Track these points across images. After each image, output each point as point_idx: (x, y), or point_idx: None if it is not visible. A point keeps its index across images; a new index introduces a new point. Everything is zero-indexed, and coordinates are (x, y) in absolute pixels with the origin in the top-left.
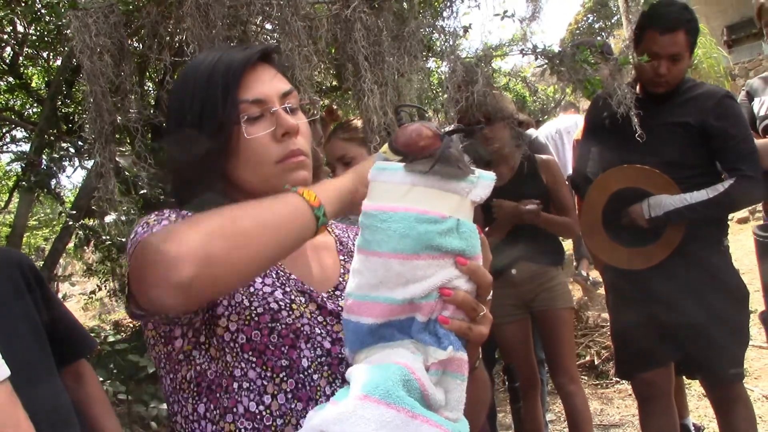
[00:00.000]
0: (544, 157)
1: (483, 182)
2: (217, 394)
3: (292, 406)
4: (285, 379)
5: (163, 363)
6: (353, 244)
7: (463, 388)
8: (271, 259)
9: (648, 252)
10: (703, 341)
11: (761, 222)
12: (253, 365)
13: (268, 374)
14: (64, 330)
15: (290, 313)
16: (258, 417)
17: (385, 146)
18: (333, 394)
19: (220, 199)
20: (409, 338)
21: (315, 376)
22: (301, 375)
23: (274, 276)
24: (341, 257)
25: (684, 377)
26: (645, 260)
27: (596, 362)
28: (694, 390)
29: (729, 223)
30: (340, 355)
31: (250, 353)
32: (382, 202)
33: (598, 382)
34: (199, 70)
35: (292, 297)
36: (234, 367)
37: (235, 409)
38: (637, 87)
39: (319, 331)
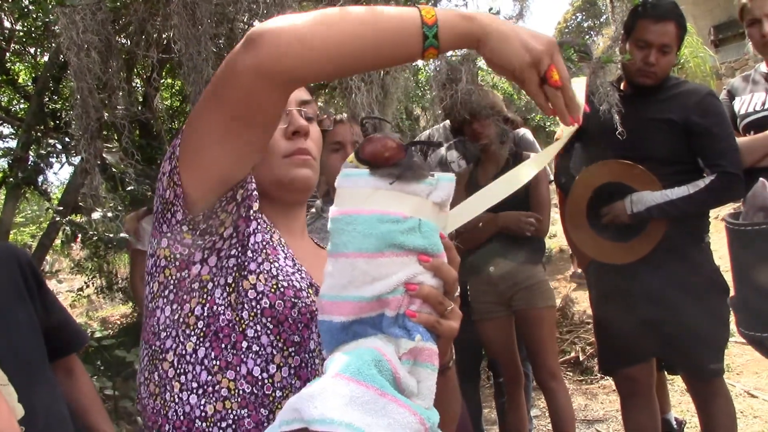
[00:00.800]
0: (531, 154)
1: (443, 184)
2: (223, 344)
3: (292, 381)
4: (293, 354)
5: (168, 291)
6: None
7: (433, 378)
8: (364, 58)
9: (630, 247)
10: (683, 337)
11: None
12: (269, 332)
13: (280, 345)
14: (57, 324)
15: (308, 295)
16: (259, 383)
17: (352, 156)
18: None
19: None
20: (381, 333)
21: (317, 360)
22: (306, 355)
23: (292, 262)
24: None
25: (666, 373)
26: (627, 255)
27: (581, 358)
28: (677, 385)
29: (711, 219)
30: None
31: (269, 319)
32: (348, 206)
33: (582, 378)
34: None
35: (308, 283)
36: (248, 327)
37: (238, 368)
38: (622, 84)
39: None
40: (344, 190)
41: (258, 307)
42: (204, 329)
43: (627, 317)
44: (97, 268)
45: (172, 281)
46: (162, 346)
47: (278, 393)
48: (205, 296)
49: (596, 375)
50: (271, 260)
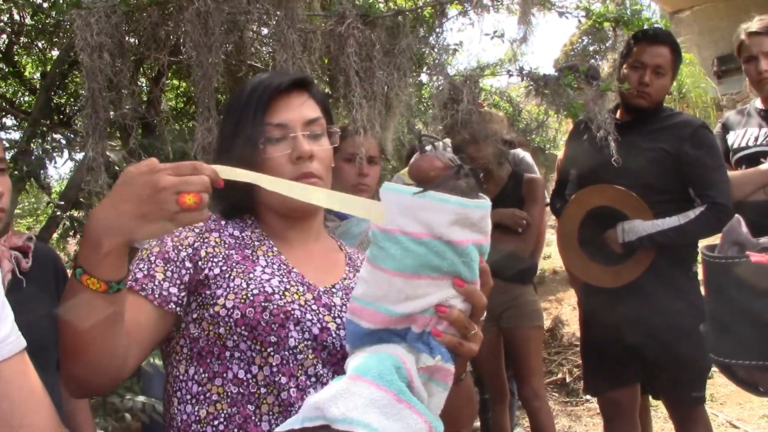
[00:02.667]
0: (530, 175)
1: (481, 209)
2: (208, 360)
3: (276, 378)
4: (272, 354)
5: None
6: (360, 264)
7: (443, 396)
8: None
9: (618, 271)
10: (667, 363)
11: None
12: (245, 338)
13: (257, 347)
14: None
15: (282, 297)
16: (244, 383)
17: (406, 169)
18: (315, 374)
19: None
20: (404, 342)
21: (300, 356)
22: (286, 353)
23: (275, 268)
24: (347, 268)
25: (650, 398)
26: (615, 279)
27: (568, 380)
28: (660, 412)
29: (699, 249)
30: (324, 342)
31: (243, 327)
32: (389, 223)
33: (568, 399)
34: (245, 90)
35: (288, 286)
36: (227, 339)
37: (225, 375)
38: (618, 112)
39: (310, 317)
40: (387, 205)
41: (231, 320)
42: (188, 353)
43: (614, 341)
44: None
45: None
46: (168, 372)
47: (263, 390)
48: (183, 333)
49: (581, 397)
50: (243, 275)
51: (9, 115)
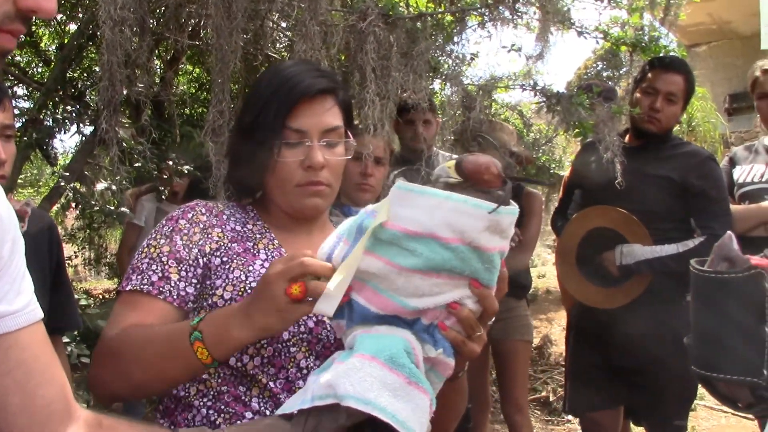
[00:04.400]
0: (530, 189)
1: (510, 216)
2: None
3: (266, 369)
4: (265, 345)
5: None
6: None
7: (439, 387)
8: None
9: (612, 293)
10: (653, 389)
11: None
12: None
13: None
14: (60, 302)
15: None
16: (236, 370)
17: (452, 162)
18: (306, 366)
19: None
20: (410, 329)
21: (293, 349)
22: (279, 345)
23: (274, 259)
24: None
25: (632, 422)
26: (608, 301)
27: (551, 399)
28: None
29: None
30: (319, 336)
31: None
32: (414, 224)
33: (549, 418)
34: (272, 82)
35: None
36: None
37: None
38: (627, 137)
39: None
40: (409, 203)
41: None
42: None
43: (601, 362)
44: (88, 240)
45: None
46: None
47: (252, 373)
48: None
49: (563, 417)
50: (242, 267)
51: (21, 84)
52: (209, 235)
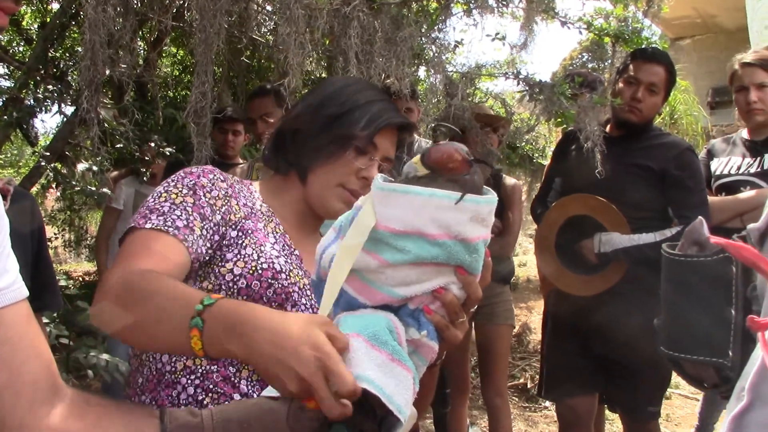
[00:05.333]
0: (510, 179)
1: (489, 205)
2: None
3: None
4: None
5: None
6: None
7: (422, 370)
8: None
9: (590, 281)
10: (627, 375)
11: None
12: None
13: None
14: (41, 282)
15: (288, 277)
16: None
17: (417, 158)
18: None
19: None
20: (395, 314)
21: None
22: None
23: (281, 246)
24: None
25: (606, 408)
26: (585, 288)
27: (529, 386)
28: (617, 426)
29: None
30: None
31: (244, 298)
32: (397, 222)
33: (527, 405)
34: (368, 93)
35: (291, 267)
36: None
37: None
38: (608, 127)
39: (304, 302)
40: (400, 201)
41: (235, 287)
42: None
43: (577, 348)
44: (68, 222)
45: None
46: None
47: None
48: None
49: (540, 404)
50: (254, 246)
51: (2, 63)
52: (230, 205)
